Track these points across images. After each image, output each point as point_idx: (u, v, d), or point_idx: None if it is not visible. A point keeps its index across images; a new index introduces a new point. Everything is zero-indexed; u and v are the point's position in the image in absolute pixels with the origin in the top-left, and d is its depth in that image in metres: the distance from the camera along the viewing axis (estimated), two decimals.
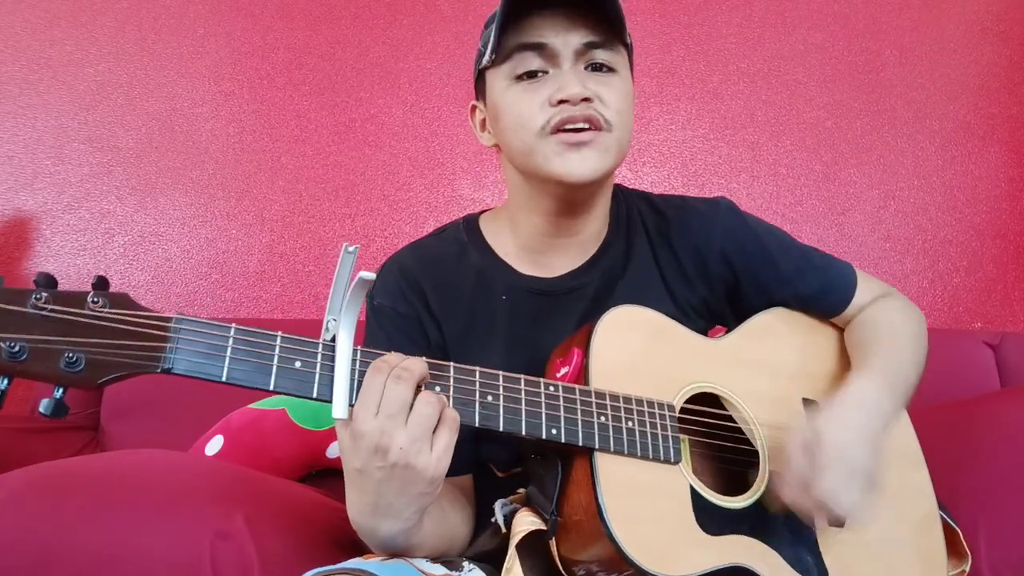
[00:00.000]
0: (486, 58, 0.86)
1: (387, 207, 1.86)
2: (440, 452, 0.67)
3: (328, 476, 1.41)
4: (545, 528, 0.78)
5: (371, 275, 0.65)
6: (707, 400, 0.88)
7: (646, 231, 0.98)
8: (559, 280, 0.94)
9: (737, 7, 1.94)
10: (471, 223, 0.99)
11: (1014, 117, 1.89)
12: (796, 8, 1.93)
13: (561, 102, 0.82)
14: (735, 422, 0.89)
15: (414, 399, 0.66)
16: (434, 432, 0.67)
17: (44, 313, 0.58)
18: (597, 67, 0.85)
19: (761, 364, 0.93)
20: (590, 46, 0.84)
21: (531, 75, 0.84)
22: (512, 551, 0.76)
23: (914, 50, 1.91)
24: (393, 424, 0.65)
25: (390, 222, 1.85)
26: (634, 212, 0.99)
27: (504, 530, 0.80)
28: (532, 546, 0.79)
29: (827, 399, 0.91)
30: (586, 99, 0.82)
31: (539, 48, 0.83)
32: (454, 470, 0.76)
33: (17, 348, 0.56)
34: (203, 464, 1.15)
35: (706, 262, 0.96)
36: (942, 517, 0.94)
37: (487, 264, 0.95)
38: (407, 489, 0.67)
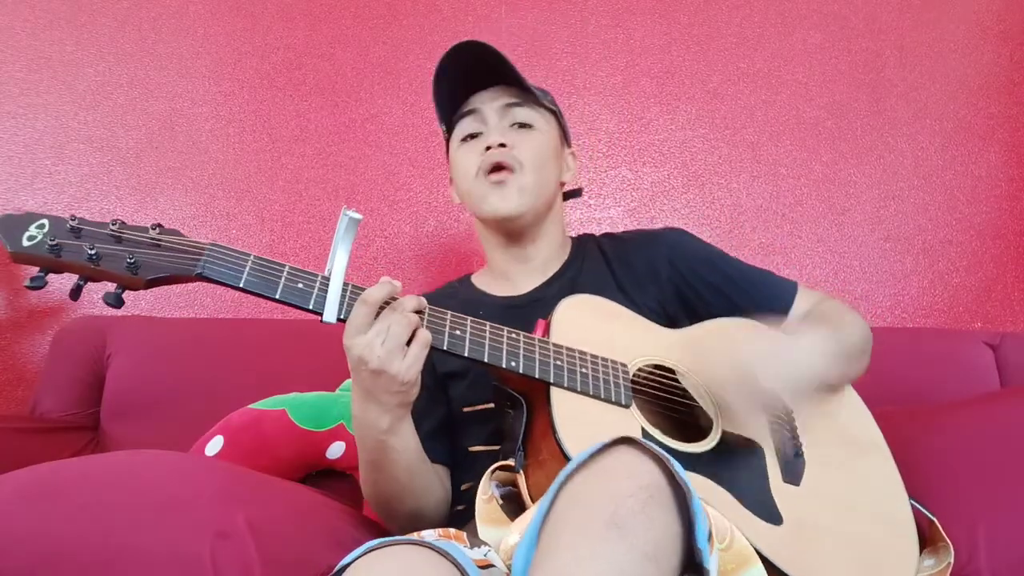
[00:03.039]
0: (443, 130, 1.20)
1: (387, 207, 1.86)
2: (411, 361, 0.84)
3: (328, 476, 1.41)
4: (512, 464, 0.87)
5: (358, 215, 0.86)
6: (661, 378, 0.94)
7: (603, 253, 1.16)
8: (525, 295, 1.14)
9: (737, 7, 1.94)
10: (464, 278, 1.25)
11: (1014, 117, 1.89)
12: (796, 8, 1.94)
13: (487, 149, 1.08)
14: (687, 392, 0.94)
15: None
16: (408, 345, 0.84)
17: (118, 235, 0.81)
18: (521, 125, 1.12)
19: (714, 351, 0.97)
20: (510, 106, 1.12)
21: (472, 136, 1.13)
22: (487, 483, 0.84)
23: (914, 50, 1.91)
24: (373, 342, 0.83)
25: (390, 222, 1.85)
26: (592, 242, 1.19)
27: (499, 502, 0.88)
28: (508, 501, 0.87)
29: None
30: (502, 145, 1.08)
31: (472, 113, 1.13)
32: (429, 456, 0.99)
33: (95, 252, 0.79)
34: (203, 464, 1.15)
35: (655, 267, 1.11)
36: (918, 508, 0.95)
37: (470, 295, 1.18)
38: (387, 387, 0.86)
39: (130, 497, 0.86)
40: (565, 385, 0.86)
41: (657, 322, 1.03)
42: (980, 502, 1.07)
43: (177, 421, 1.46)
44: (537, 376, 0.85)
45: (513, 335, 0.88)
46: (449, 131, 1.18)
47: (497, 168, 1.07)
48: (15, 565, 0.78)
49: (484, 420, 1.02)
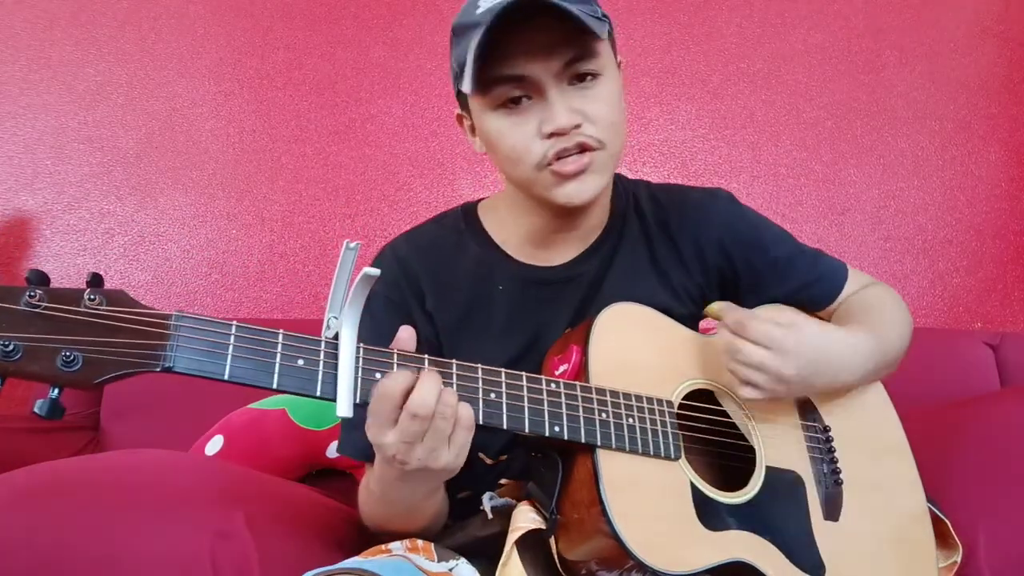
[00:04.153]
0: (466, 86, 0.80)
1: (387, 207, 1.86)
2: (457, 451, 0.70)
3: (328, 476, 1.41)
4: (544, 527, 0.79)
5: (375, 271, 0.65)
6: (703, 396, 0.89)
7: (643, 220, 0.99)
8: (557, 269, 0.95)
9: (737, 7, 1.94)
10: (470, 212, 0.99)
11: (1014, 117, 1.89)
12: (796, 8, 1.93)
13: (552, 135, 0.81)
14: (731, 418, 0.90)
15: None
16: (450, 434, 0.69)
17: (38, 311, 0.55)
18: (581, 76, 0.82)
19: None
20: (571, 62, 0.81)
21: (515, 101, 0.82)
22: (511, 547, 0.77)
23: (914, 50, 1.91)
24: (409, 445, 0.67)
25: (390, 222, 1.85)
26: (631, 200, 1.00)
27: (490, 517, 0.82)
28: (532, 542, 0.80)
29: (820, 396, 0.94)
30: (576, 126, 0.81)
31: (519, 79, 0.80)
32: None
33: (11, 347, 0.53)
34: (203, 464, 1.15)
35: (703, 251, 0.97)
36: (931, 509, 0.95)
37: (485, 254, 0.95)
38: (426, 478, 0.73)
39: (130, 497, 0.86)
40: (613, 447, 0.77)
41: (694, 310, 0.97)
42: (980, 502, 1.07)
43: (177, 421, 1.46)
44: (584, 441, 0.76)
45: (552, 386, 0.77)
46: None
47: (568, 155, 0.83)
48: (15, 565, 0.78)
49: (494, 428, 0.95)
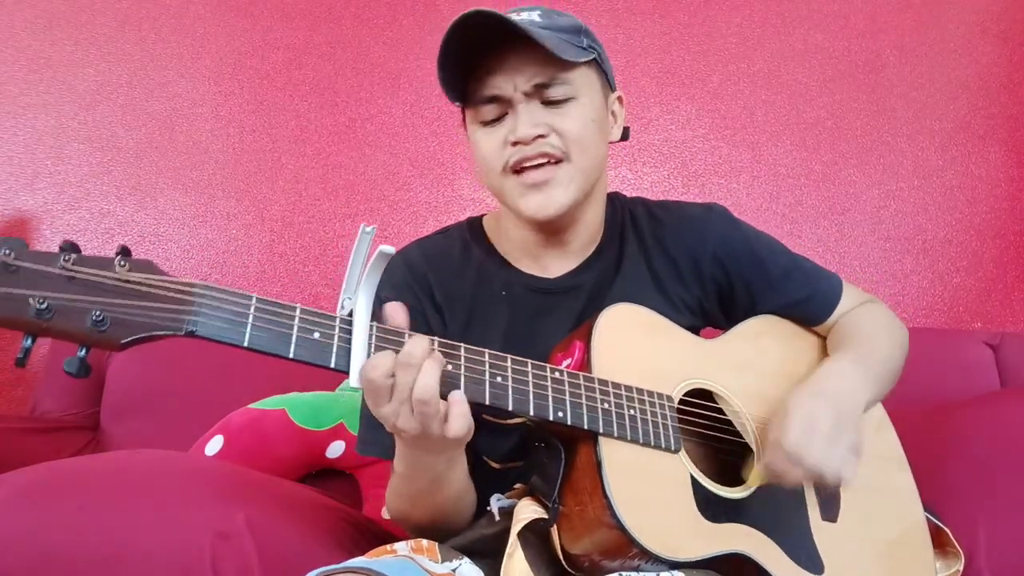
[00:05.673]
0: (456, 100, 0.92)
1: (387, 207, 1.86)
2: (455, 418, 0.72)
3: (328, 476, 1.41)
4: (547, 517, 0.80)
5: (390, 248, 0.68)
6: (700, 396, 0.90)
7: (640, 235, 1.01)
8: (557, 280, 0.98)
9: (737, 7, 1.94)
10: (474, 223, 1.04)
11: (1014, 117, 1.89)
12: (796, 8, 1.93)
13: (516, 143, 0.87)
14: (728, 417, 0.91)
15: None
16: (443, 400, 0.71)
17: (71, 274, 0.59)
18: (552, 102, 0.88)
19: (752, 365, 0.95)
20: (540, 87, 0.87)
21: (498, 120, 0.89)
22: (514, 538, 0.78)
23: (914, 50, 1.91)
24: (403, 408, 0.70)
25: (390, 222, 1.85)
26: (628, 217, 1.03)
27: (497, 518, 0.83)
28: (534, 534, 0.81)
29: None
30: (540, 136, 0.87)
31: (494, 99, 0.88)
32: None
33: (45, 305, 0.57)
34: (203, 464, 1.15)
35: (700, 264, 0.99)
36: (929, 518, 0.95)
37: (488, 261, 0.99)
38: (437, 444, 0.74)
39: (130, 497, 0.86)
40: (615, 435, 0.78)
41: (693, 321, 0.98)
42: (980, 502, 1.07)
43: (177, 421, 1.46)
44: (586, 427, 0.78)
45: (557, 374, 0.79)
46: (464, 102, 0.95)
47: (532, 166, 0.88)
48: (15, 565, 0.78)
49: (500, 432, 0.93)
